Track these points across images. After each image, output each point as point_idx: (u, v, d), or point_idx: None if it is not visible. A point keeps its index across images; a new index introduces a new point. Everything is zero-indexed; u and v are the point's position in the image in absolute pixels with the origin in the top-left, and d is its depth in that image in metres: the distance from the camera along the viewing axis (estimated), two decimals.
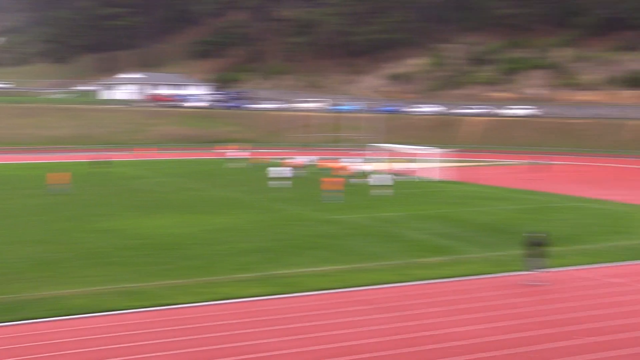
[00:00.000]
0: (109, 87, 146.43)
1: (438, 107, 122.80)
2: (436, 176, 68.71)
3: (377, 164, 69.63)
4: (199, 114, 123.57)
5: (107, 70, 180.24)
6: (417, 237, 39.03)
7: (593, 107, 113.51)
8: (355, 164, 72.22)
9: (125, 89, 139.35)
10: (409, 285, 29.05)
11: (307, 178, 67.72)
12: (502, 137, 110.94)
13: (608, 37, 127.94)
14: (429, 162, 69.02)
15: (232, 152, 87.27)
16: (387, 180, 56.07)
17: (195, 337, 22.49)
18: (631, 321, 24.37)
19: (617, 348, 21.54)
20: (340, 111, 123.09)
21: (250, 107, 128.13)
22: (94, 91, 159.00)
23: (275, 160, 78.12)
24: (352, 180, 64.20)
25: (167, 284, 28.70)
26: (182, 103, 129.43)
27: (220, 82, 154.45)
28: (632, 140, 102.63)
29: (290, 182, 63.17)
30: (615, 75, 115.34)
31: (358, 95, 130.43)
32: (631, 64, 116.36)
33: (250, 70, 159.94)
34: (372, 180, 55.91)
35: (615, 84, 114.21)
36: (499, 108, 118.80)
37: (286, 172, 64.19)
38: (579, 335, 22.71)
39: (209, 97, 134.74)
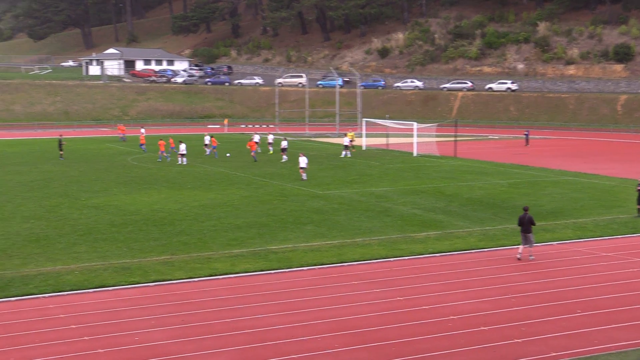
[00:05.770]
0: (90, 62, 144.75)
1: (422, 81, 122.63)
2: (424, 151, 68.75)
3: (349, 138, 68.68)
4: (181, 89, 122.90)
5: (88, 45, 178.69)
6: (409, 212, 39.12)
7: (580, 81, 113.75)
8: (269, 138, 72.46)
9: (107, 65, 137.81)
10: (402, 260, 29.16)
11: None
12: (487, 112, 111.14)
13: (591, 11, 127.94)
14: (417, 138, 68.99)
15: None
16: (303, 162, 50.88)
17: (193, 312, 22.51)
18: (623, 294, 24.59)
19: (613, 323, 21.72)
20: (323, 86, 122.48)
21: (235, 83, 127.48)
22: (75, 67, 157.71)
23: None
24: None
25: (162, 259, 28.68)
26: (172, 78, 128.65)
27: (202, 57, 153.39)
28: (623, 115, 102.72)
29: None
30: (600, 49, 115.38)
31: (341, 70, 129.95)
32: (616, 38, 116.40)
33: (231, 45, 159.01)
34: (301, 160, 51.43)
35: (602, 58, 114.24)
36: (483, 82, 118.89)
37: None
38: (578, 309, 22.90)
39: (193, 73, 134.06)
